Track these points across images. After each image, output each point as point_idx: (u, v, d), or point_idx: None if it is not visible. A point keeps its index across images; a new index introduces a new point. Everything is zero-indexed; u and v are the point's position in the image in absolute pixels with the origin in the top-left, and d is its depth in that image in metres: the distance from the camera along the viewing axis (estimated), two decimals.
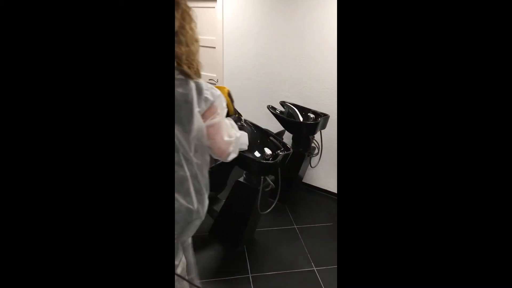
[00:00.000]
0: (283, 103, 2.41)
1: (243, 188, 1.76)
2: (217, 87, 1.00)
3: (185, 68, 0.82)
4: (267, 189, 1.73)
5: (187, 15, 0.83)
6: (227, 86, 3.00)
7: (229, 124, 1.04)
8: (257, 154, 1.76)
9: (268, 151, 1.74)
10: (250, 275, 1.77)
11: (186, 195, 0.93)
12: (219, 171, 1.84)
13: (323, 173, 2.65)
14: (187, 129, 0.84)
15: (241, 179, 1.77)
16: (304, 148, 2.31)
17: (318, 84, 2.40)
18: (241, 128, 1.25)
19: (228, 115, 1.15)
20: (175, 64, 0.81)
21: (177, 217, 0.94)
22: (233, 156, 1.04)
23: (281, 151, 1.68)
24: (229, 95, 1.20)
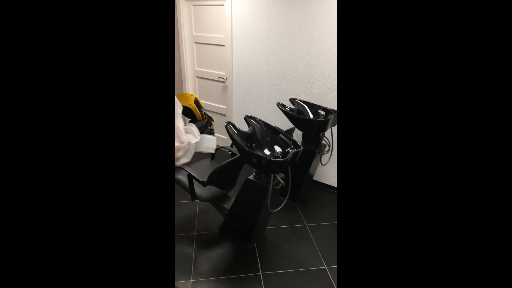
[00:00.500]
0: (292, 100, 2.39)
1: (253, 186, 1.75)
2: (181, 94, 1.09)
3: None
4: (277, 187, 1.72)
5: None
6: (237, 84, 2.99)
7: (182, 130, 1.06)
8: (267, 152, 1.75)
9: (278, 148, 1.73)
10: (260, 273, 1.77)
11: None
12: (229, 169, 1.84)
13: (334, 170, 2.62)
14: None
15: (251, 177, 1.76)
16: (314, 145, 2.29)
17: (328, 81, 2.37)
18: (209, 132, 1.32)
19: (196, 120, 1.23)
20: None
21: None
22: (183, 161, 1.07)
23: (291, 149, 1.66)
24: (196, 102, 1.27)
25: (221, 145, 3.31)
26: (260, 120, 1.82)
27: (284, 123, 2.63)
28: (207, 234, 2.09)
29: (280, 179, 1.66)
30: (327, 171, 2.65)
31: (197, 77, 3.32)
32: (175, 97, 0.97)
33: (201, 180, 1.73)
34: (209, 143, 1.32)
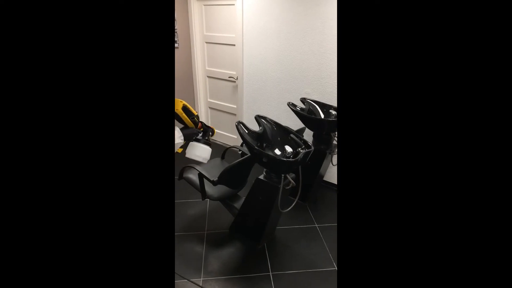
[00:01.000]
0: (303, 100, 2.37)
1: (263, 186, 1.75)
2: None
3: None
4: (288, 187, 1.71)
5: None
6: (247, 83, 2.98)
7: None
8: (277, 152, 1.74)
9: (289, 148, 1.72)
10: (270, 273, 1.77)
11: None
12: (240, 169, 1.85)
13: None
14: None
15: (262, 177, 1.76)
16: (325, 145, 2.27)
17: None
18: (205, 142, 1.33)
19: (187, 127, 1.23)
20: None
21: None
22: None
23: (302, 149, 1.65)
24: (185, 108, 1.27)
25: (231, 144, 3.32)
26: (271, 119, 1.81)
27: (294, 123, 2.61)
28: (217, 233, 2.10)
29: (290, 179, 1.65)
30: None
31: (208, 76, 3.33)
32: None
33: (211, 179, 1.74)
34: (201, 153, 1.30)
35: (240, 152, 2.13)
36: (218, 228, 2.15)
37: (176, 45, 3.04)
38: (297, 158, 1.53)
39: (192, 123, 1.30)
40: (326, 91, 2.44)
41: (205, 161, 1.33)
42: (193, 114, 1.28)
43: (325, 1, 2.21)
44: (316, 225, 2.19)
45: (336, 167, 2.57)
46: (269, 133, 1.79)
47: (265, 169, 1.76)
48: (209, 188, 1.91)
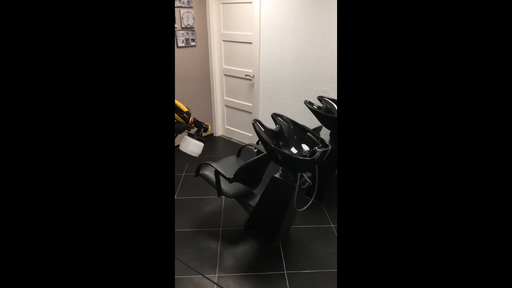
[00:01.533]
0: (320, 98, 2.34)
1: (279, 184, 1.74)
2: None
3: None
4: (304, 186, 1.70)
5: None
6: (264, 81, 2.97)
7: None
8: (294, 150, 1.73)
9: (305, 147, 1.70)
10: (285, 272, 1.76)
11: None
12: (255, 167, 1.85)
13: None
14: None
15: (277, 175, 1.75)
16: None
17: None
18: (198, 139, 1.48)
19: (177, 122, 1.39)
20: None
21: None
22: None
23: (319, 148, 1.63)
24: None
25: (247, 142, 3.33)
26: (287, 118, 1.80)
27: (311, 121, 2.58)
28: (232, 230, 2.12)
29: (307, 178, 1.63)
30: None
31: (225, 75, 3.35)
32: None
33: (227, 176, 1.75)
34: (193, 148, 1.46)
35: (255, 150, 2.13)
36: (233, 225, 2.16)
37: (193, 43, 3.07)
38: (313, 157, 1.51)
39: (181, 119, 1.42)
40: None
41: (197, 155, 1.47)
42: (182, 110, 1.41)
43: None
44: (332, 225, 2.16)
45: None
46: (286, 132, 1.78)
47: (281, 168, 1.75)
48: (225, 185, 1.93)
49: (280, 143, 1.75)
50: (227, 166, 2.10)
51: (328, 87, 2.49)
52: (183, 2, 2.84)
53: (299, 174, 1.62)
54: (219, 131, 3.74)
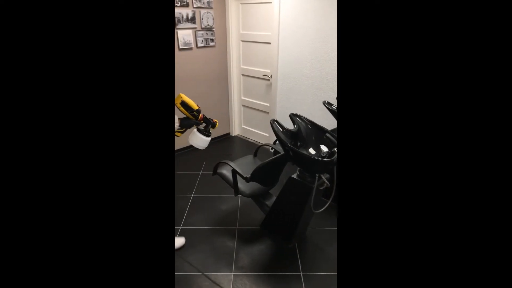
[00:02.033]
0: None
1: (296, 185, 1.73)
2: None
3: None
4: (322, 188, 1.68)
5: None
6: (281, 82, 2.97)
7: None
8: (312, 151, 1.71)
9: (324, 148, 1.69)
10: (301, 273, 1.75)
11: None
12: (272, 167, 1.85)
13: None
14: None
15: (295, 176, 1.74)
16: None
17: None
18: (205, 134, 1.60)
19: (187, 118, 1.54)
20: None
21: None
22: None
23: (337, 149, 1.61)
24: (183, 103, 1.49)
25: (263, 142, 3.34)
26: (305, 118, 1.79)
27: (329, 122, 2.55)
28: (248, 229, 2.13)
29: (325, 180, 1.61)
30: None
31: (242, 75, 3.37)
32: None
33: (244, 176, 1.76)
34: (200, 142, 1.59)
35: (272, 150, 2.13)
36: (249, 225, 2.17)
37: (212, 43, 3.11)
38: (332, 158, 1.49)
39: (191, 116, 1.54)
40: None
41: (202, 149, 1.62)
42: (192, 108, 1.51)
43: None
44: None
45: None
46: (304, 132, 1.77)
47: (298, 168, 1.74)
48: (241, 184, 1.94)
49: (298, 143, 1.74)
50: (244, 165, 2.11)
51: None
52: (203, 3, 2.88)
53: (317, 175, 1.61)
54: (235, 131, 3.76)
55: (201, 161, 3.04)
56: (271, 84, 3.04)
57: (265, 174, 1.85)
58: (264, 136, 3.44)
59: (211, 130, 1.62)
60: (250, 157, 2.28)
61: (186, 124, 1.56)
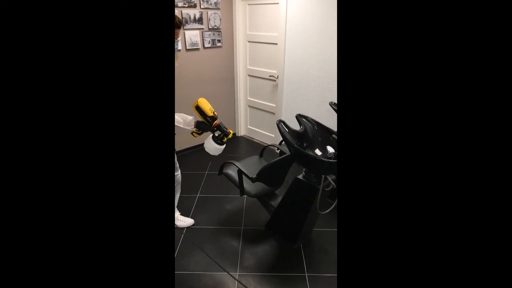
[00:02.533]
0: None
1: (302, 186, 1.73)
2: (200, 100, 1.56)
3: None
4: (328, 189, 1.67)
5: None
6: (288, 82, 2.97)
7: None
8: (318, 152, 1.71)
9: (330, 149, 1.68)
10: (306, 274, 1.75)
11: None
12: (278, 167, 1.85)
13: None
14: None
15: (300, 177, 1.74)
16: None
17: None
18: (220, 143, 1.61)
19: (203, 122, 1.57)
20: None
21: None
22: None
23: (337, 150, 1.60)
24: (197, 107, 1.53)
25: (269, 143, 3.34)
26: (312, 119, 1.78)
27: (336, 123, 2.54)
28: (254, 229, 2.13)
29: (331, 181, 1.61)
30: None
31: (249, 75, 3.38)
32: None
33: (250, 176, 1.77)
34: (213, 150, 1.62)
35: (278, 151, 2.13)
36: (254, 225, 2.17)
37: (219, 44, 3.12)
38: None
39: (205, 121, 1.57)
40: None
41: (215, 155, 1.66)
42: (206, 114, 1.54)
43: None
44: None
45: None
46: (310, 133, 1.77)
47: (304, 169, 1.74)
48: (247, 184, 1.94)
49: (304, 144, 1.74)
50: (250, 165, 2.11)
51: None
52: (211, 4, 2.89)
53: (323, 176, 1.60)
54: (241, 131, 3.77)
55: (207, 161, 3.05)
56: (277, 84, 3.04)
57: (270, 174, 1.85)
58: (270, 136, 3.44)
59: (226, 139, 1.62)
60: (256, 158, 2.28)
61: (201, 127, 1.60)
